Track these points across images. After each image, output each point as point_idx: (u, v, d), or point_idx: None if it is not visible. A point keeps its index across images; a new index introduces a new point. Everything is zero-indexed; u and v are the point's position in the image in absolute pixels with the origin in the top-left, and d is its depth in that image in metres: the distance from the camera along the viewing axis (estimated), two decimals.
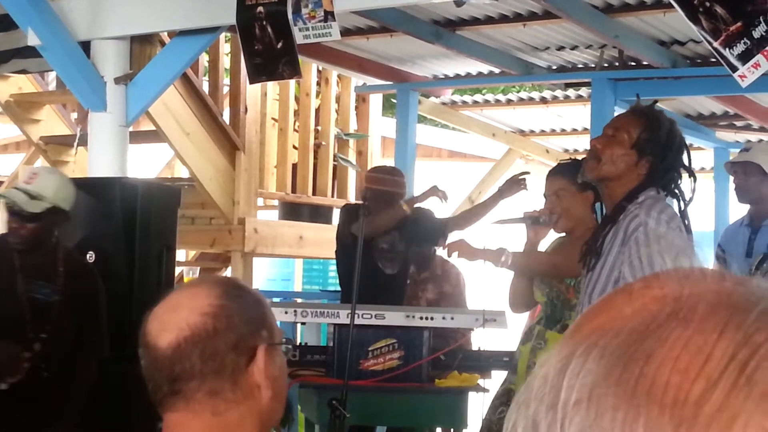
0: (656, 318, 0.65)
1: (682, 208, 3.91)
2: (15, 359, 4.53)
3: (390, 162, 8.94)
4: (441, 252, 7.83)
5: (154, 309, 2.08)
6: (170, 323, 2.01)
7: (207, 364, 1.99)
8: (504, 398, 5.11)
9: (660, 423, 0.60)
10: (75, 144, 7.97)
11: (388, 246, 6.68)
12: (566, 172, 5.04)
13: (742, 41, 4.15)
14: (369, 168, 8.86)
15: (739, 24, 4.17)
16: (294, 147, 9.56)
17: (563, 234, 5.13)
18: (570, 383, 0.64)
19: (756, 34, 4.14)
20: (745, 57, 4.15)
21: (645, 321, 0.65)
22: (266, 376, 2.03)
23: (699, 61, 7.84)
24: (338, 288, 7.43)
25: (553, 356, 0.67)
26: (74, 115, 9.68)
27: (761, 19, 4.13)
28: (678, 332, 0.64)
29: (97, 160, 6.19)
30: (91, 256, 5.39)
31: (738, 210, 8.11)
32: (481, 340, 6.39)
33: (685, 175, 3.97)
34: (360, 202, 6.90)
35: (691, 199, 3.94)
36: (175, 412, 2.03)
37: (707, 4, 4.24)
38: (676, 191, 3.96)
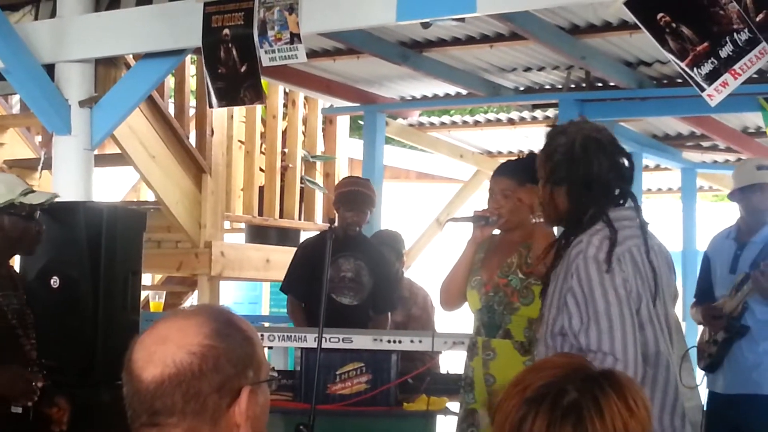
0: None
1: None
2: (29, 382, 4.46)
3: None
4: (408, 274, 7.81)
5: (142, 337, 2.06)
6: (156, 356, 2.00)
7: (189, 403, 1.98)
8: (469, 420, 5.06)
9: None
10: (39, 168, 7.92)
11: (352, 274, 6.57)
12: (513, 172, 5.05)
13: (710, 61, 4.16)
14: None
15: (705, 44, 4.18)
16: (261, 169, 9.52)
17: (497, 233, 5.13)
18: None
19: (723, 53, 4.15)
20: (712, 77, 4.16)
21: None
22: (247, 417, 2.02)
23: (665, 81, 7.87)
24: None
25: None
26: (38, 139, 9.62)
27: (727, 39, 4.14)
28: None
29: (61, 184, 6.12)
30: (55, 282, 5.31)
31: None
32: (450, 362, 6.36)
33: None
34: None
35: None
36: None
37: (674, 24, 4.24)
38: None
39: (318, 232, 7.36)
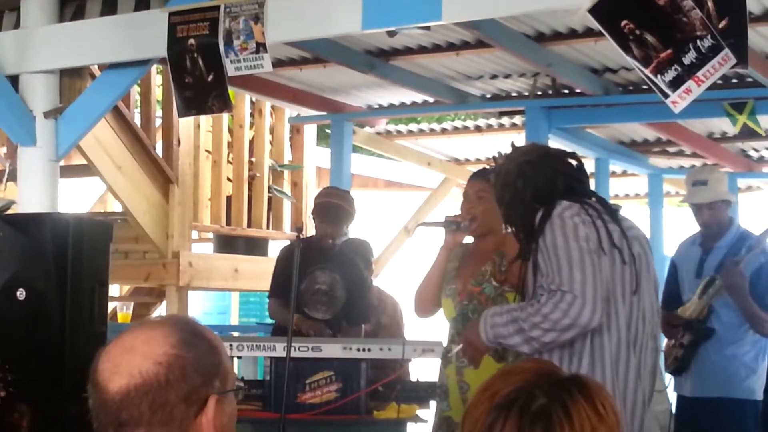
0: None
1: None
2: None
3: None
4: (377, 282, 7.81)
5: (107, 347, 2.05)
6: (122, 367, 1.98)
7: (156, 414, 1.97)
8: (444, 427, 5.06)
9: None
10: (4, 180, 7.84)
11: (327, 287, 6.53)
12: (490, 176, 5.05)
13: (673, 68, 4.18)
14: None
15: (669, 51, 4.19)
16: (228, 179, 9.50)
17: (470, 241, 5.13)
18: None
19: (686, 60, 4.16)
20: (676, 83, 4.17)
21: None
22: (214, 426, 2.02)
23: (631, 88, 7.90)
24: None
25: None
26: (3, 150, 9.56)
27: (690, 46, 4.16)
28: None
29: (26, 196, 6.08)
30: (21, 294, 5.27)
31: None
32: (419, 370, 6.36)
33: None
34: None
35: None
36: None
37: (637, 32, 4.26)
38: None
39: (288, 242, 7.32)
